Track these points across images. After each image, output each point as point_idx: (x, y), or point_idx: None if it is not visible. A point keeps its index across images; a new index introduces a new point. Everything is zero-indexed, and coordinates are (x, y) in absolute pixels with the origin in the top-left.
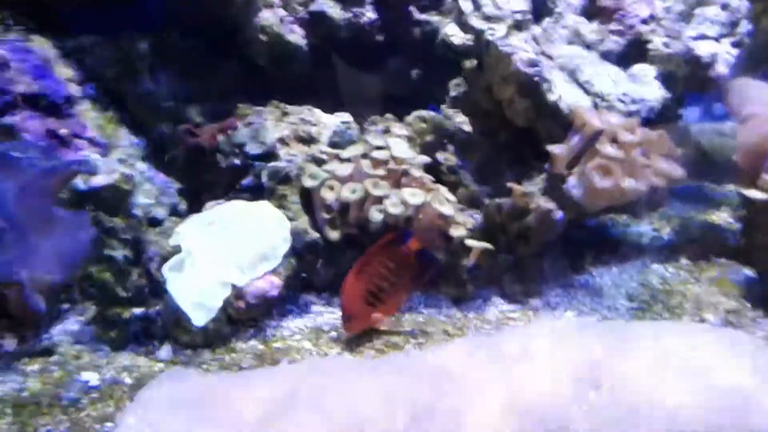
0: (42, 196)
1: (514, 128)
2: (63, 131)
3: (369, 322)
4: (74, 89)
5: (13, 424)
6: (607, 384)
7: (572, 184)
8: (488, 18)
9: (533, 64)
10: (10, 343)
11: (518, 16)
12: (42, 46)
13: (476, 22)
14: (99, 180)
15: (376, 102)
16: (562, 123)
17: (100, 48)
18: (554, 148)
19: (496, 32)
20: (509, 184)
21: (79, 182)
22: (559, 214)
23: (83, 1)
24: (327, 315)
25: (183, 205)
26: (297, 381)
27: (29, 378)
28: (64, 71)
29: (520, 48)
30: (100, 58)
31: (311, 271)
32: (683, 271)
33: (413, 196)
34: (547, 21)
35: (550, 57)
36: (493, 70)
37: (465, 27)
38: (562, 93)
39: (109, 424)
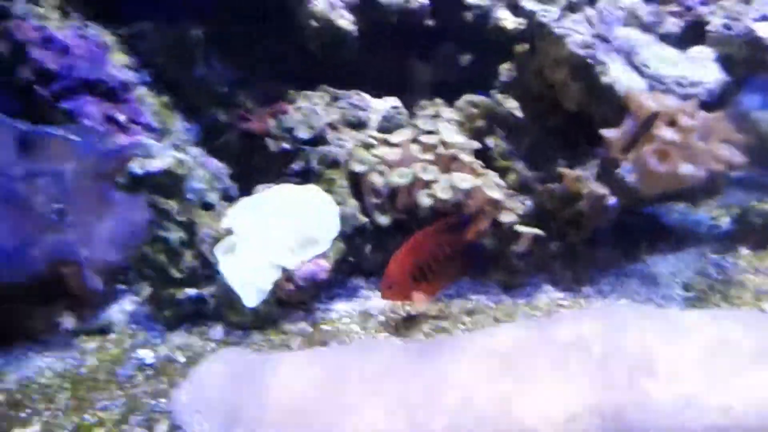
0: (100, 179)
1: (566, 112)
2: (120, 116)
3: (407, 295)
4: (130, 75)
5: (71, 398)
6: (662, 372)
7: (627, 169)
8: (542, 0)
9: (587, 45)
10: (69, 321)
11: None
12: (99, 32)
13: (529, 3)
14: (154, 165)
15: (425, 87)
16: (616, 106)
17: (155, 34)
18: (608, 132)
19: (549, 14)
20: (560, 169)
21: (135, 167)
22: (612, 200)
23: None
24: (375, 299)
25: (235, 190)
26: (349, 362)
27: (87, 355)
28: (121, 57)
29: (574, 30)
30: (155, 44)
31: (359, 256)
32: (742, 261)
33: (463, 180)
34: (602, 2)
35: (605, 39)
36: (546, 52)
37: (517, 10)
38: (617, 76)
39: (162, 400)
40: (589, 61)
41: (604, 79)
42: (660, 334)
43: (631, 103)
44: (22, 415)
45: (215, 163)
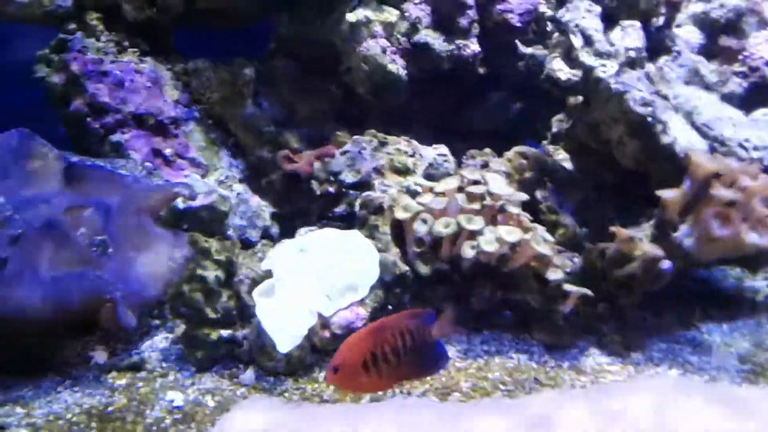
0: (143, 213)
1: (621, 169)
2: (167, 151)
3: (355, 385)
4: (180, 111)
5: None
6: None
7: (684, 233)
8: (600, 54)
9: (647, 103)
10: (101, 356)
11: (632, 53)
12: (153, 67)
13: (587, 58)
14: (197, 200)
15: (474, 135)
16: (675, 167)
17: (208, 71)
18: (666, 193)
19: (607, 69)
20: (613, 228)
21: (178, 201)
22: (667, 264)
23: (194, 26)
24: None
25: (275, 229)
26: (386, 424)
27: (116, 392)
28: (172, 92)
29: (633, 86)
30: (206, 81)
31: (398, 305)
32: None
33: (509, 233)
34: (663, 59)
35: (665, 97)
36: (602, 108)
37: (574, 62)
38: (677, 135)
39: None
40: (648, 119)
41: (664, 139)
42: (719, 412)
43: (690, 163)
44: None
45: (257, 201)
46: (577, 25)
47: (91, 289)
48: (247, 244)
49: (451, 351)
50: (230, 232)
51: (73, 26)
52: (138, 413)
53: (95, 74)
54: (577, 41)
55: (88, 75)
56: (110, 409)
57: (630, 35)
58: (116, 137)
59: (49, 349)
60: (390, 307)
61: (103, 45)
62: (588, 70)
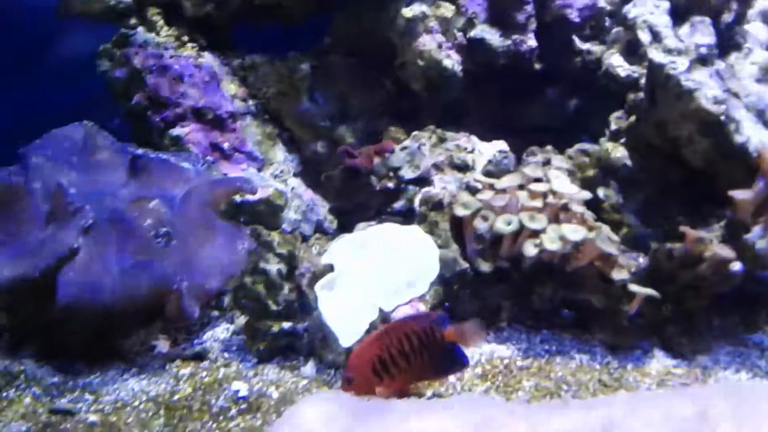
0: (206, 206)
1: (688, 168)
2: (225, 145)
3: (370, 390)
4: (237, 105)
5: (165, 426)
6: None
7: (757, 234)
8: (669, 51)
9: (719, 101)
10: (164, 345)
11: (703, 50)
12: (212, 62)
13: (656, 54)
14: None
15: (527, 132)
16: (746, 167)
17: (264, 66)
18: (738, 194)
19: (678, 66)
20: (683, 229)
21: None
22: (737, 266)
23: (251, 21)
24: (471, 349)
25: (328, 223)
26: (454, 420)
27: (180, 381)
28: (230, 87)
29: (705, 84)
30: (263, 76)
31: (455, 302)
32: None
33: (573, 232)
34: (733, 56)
35: (736, 95)
36: (671, 105)
37: (634, 58)
38: (749, 134)
39: None
40: (721, 117)
41: (737, 138)
42: None
43: (764, 163)
44: None
45: (311, 196)
46: (645, 21)
47: (158, 279)
48: (301, 238)
49: (511, 349)
50: (285, 226)
51: (134, 21)
52: (204, 402)
53: (156, 69)
54: (645, 37)
55: (149, 69)
56: (176, 397)
57: (700, 31)
58: (176, 131)
59: (114, 337)
60: (447, 304)
61: (163, 40)
62: (657, 67)
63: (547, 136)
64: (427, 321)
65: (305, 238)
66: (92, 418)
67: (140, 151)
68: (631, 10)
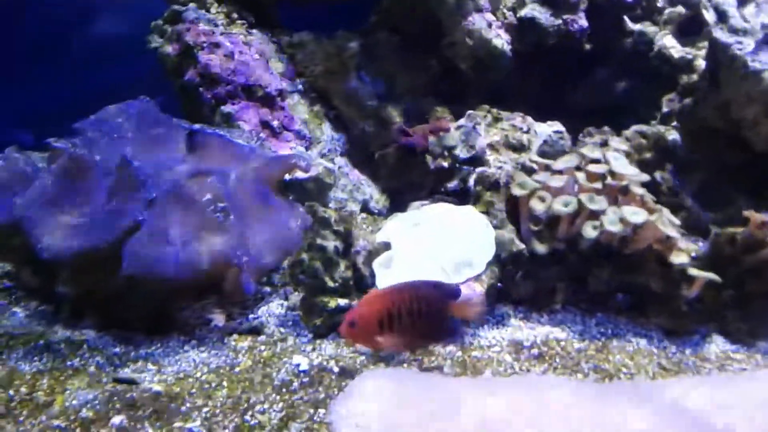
0: (262, 183)
1: (749, 151)
2: (274, 122)
3: (369, 341)
4: (286, 83)
5: (228, 397)
6: None
7: None
8: (735, 31)
9: None
10: (220, 319)
11: None
12: (260, 40)
13: (721, 34)
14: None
15: (576, 113)
16: None
17: (312, 44)
18: None
19: (744, 47)
20: (747, 213)
21: None
22: None
23: None
24: (526, 330)
25: (374, 203)
26: (518, 398)
27: (240, 354)
28: (278, 65)
29: None
30: (311, 54)
31: (510, 282)
32: None
33: (634, 214)
34: None
35: None
36: (735, 87)
37: (685, 38)
38: None
39: (321, 411)
40: None
41: None
42: None
43: None
44: (183, 408)
45: (357, 175)
46: (710, 1)
47: (218, 253)
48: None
49: (567, 331)
50: (332, 204)
51: None
52: (265, 375)
53: (207, 45)
54: (709, 17)
55: (201, 46)
56: (237, 369)
57: (766, 12)
58: (227, 108)
59: (172, 309)
60: (500, 284)
61: (213, 17)
62: (722, 47)
63: (594, 118)
64: (440, 291)
65: None
66: (156, 387)
67: (197, 126)
68: None
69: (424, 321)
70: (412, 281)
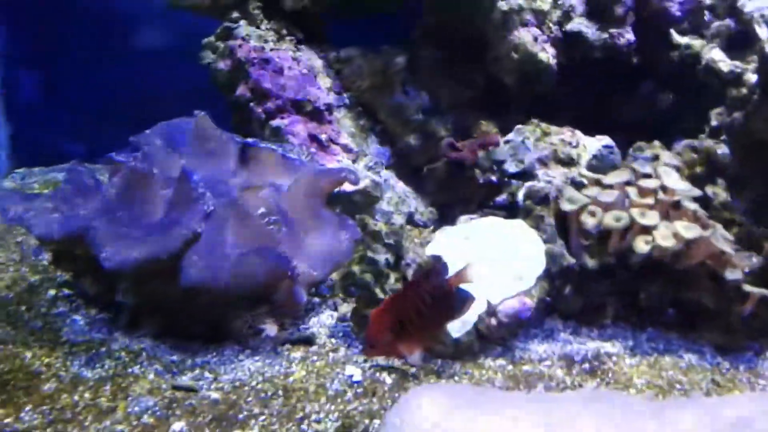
0: (312, 196)
1: None
2: (322, 136)
3: (393, 350)
4: (333, 97)
5: (284, 406)
6: None
7: None
8: None
9: None
10: (272, 329)
11: None
12: (308, 55)
13: None
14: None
15: (621, 127)
16: None
17: (359, 59)
18: None
19: None
20: None
21: None
22: None
23: (347, 15)
24: (576, 344)
25: (419, 216)
26: (576, 412)
27: (293, 364)
28: (325, 80)
29: None
30: (357, 69)
31: (559, 297)
32: None
33: (687, 229)
34: None
35: None
36: None
37: (731, 53)
38: None
39: (376, 422)
40: None
41: None
42: None
43: None
44: (240, 416)
45: (402, 187)
46: (762, 15)
47: (273, 265)
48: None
49: (617, 347)
50: (378, 217)
51: (236, 15)
52: (319, 385)
53: (258, 61)
54: (762, 32)
55: (252, 62)
56: (291, 379)
57: None
58: (276, 122)
59: (227, 319)
60: (549, 299)
61: (264, 33)
62: None
63: (639, 132)
64: (435, 275)
65: None
66: (214, 395)
67: (250, 140)
68: (746, 4)
69: (435, 311)
70: (408, 286)
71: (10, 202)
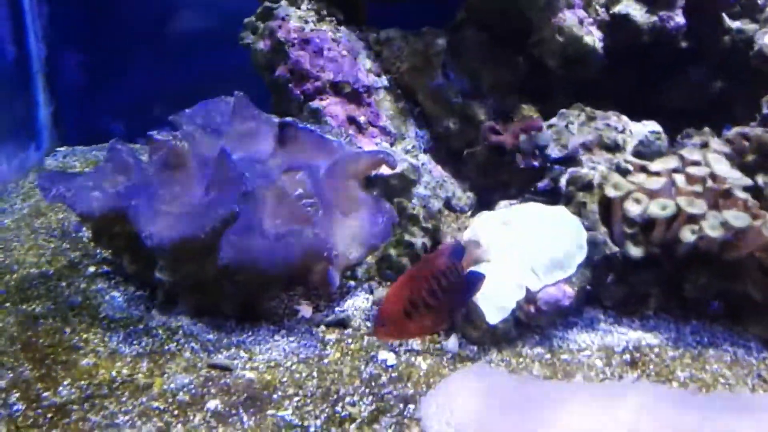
0: (350, 178)
1: None
2: (361, 118)
3: (404, 333)
4: (372, 79)
5: (318, 387)
6: None
7: None
8: None
9: None
10: (307, 311)
11: None
12: (348, 36)
13: None
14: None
15: (668, 113)
16: None
17: (399, 41)
18: None
19: None
20: None
21: None
22: None
23: None
24: (617, 335)
25: (456, 200)
26: (616, 405)
27: (328, 346)
28: (365, 62)
29: None
30: (397, 51)
31: (600, 286)
32: None
33: (737, 219)
34: None
35: None
36: None
37: None
38: None
39: (411, 406)
40: None
41: None
42: None
43: None
44: (275, 396)
45: (440, 171)
46: None
47: (309, 246)
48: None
49: (660, 338)
50: (414, 201)
51: None
52: (353, 368)
53: (297, 42)
54: None
55: (292, 42)
56: (325, 360)
57: None
58: (315, 104)
59: (263, 299)
60: (589, 287)
61: (304, 14)
62: None
63: (687, 119)
64: (450, 258)
65: None
66: (249, 375)
67: (289, 119)
68: None
69: (448, 293)
70: (421, 264)
71: (51, 180)
